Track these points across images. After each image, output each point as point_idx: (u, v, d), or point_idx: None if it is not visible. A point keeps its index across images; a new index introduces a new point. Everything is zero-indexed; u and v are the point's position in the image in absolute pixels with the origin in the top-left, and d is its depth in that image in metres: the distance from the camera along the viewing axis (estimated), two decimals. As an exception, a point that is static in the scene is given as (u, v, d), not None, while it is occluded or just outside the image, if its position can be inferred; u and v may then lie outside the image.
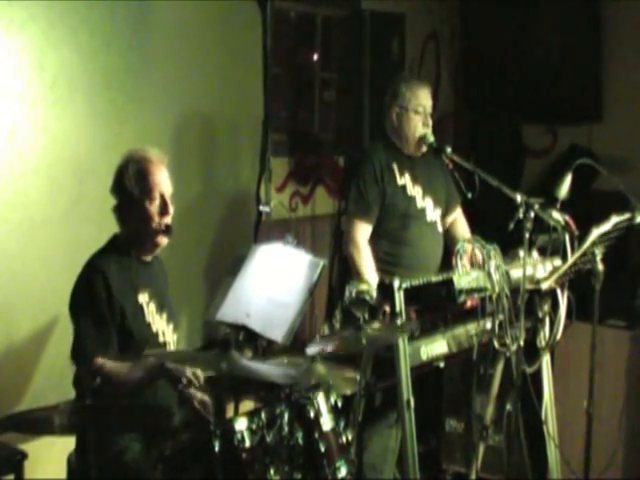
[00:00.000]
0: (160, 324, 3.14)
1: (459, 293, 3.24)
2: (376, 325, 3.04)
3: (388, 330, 3.09)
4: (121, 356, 2.98)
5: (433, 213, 3.96)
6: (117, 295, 2.99)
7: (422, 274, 3.40)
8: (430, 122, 3.89)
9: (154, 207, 3.06)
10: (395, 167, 3.89)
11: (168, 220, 3.09)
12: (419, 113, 3.86)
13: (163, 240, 3.10)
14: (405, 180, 3.90)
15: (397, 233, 3.88)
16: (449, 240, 4.06)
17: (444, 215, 4.05)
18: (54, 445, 3.47)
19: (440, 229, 4.01)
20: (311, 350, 2.94)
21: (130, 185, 3.04)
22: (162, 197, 3.07)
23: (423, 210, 3.92)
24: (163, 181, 3.09)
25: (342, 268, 4.03)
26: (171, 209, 3.09)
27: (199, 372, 2.92)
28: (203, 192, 4.37)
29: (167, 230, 3.09)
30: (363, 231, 3.83)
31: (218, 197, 4.49)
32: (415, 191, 3.91)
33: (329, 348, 2.95)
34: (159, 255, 3.26)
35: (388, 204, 3.86)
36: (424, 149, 3.90)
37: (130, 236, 3.11)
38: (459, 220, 4.15)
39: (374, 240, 3.85)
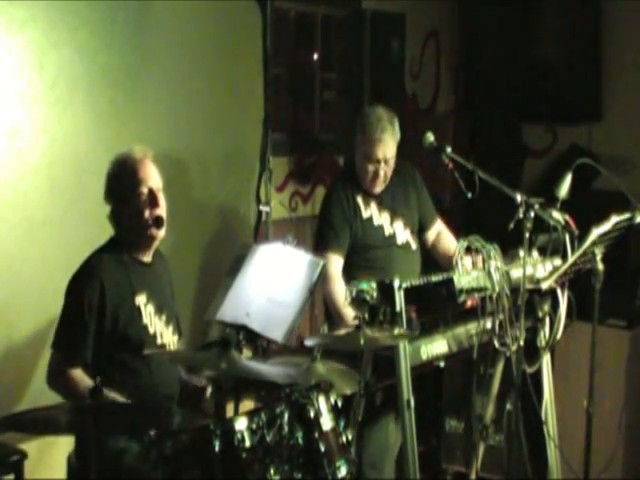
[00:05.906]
0: (159, 326, 3.14)
1: (459, 293, 3.25)
2: (376, 328, 3.04)
3: (388, 335, 3.08)
4: (119, 360, 2.99)
5: (403, 234, 3.95)
6: (111, 298, 2.99)
7: None
8: (382, 174, 3.80)
9: (142, 202, 3.04)
10: (360, 200, 3.90)
11: (159, 212, 3.07)
12: (369, 160, 3.82)
13: (156, 233, 3.08)
14: (371, 211, 3.91)
15: (368, 262, 3.87)
16: (437, 255, 4.09)
17: (424, 231, 4.07)
18: (54, 445, 3.48)
19: (414, 247, 3.99)
20: (309, 342, 2.95)
21: (117, 187, 3.06)
22: (150, 191, 3.06)
23: (392, 236, 3.92)
24: (149, 175, 3.07)
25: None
26: (161, 201, 3.08)
27: None
28: (203, 191, 4.37)
29: (158, 221, 3.06)
30: (335, 263, 3.82)
31: (218, 196, 4.49)
32: (382, 219, 3.91)
33: (328, 341, 2.95)
34: (164, 255, 3.26)
35: (356, 237, 3.87)
36: (377, 190, 3.89)
37: (126, 237, 3.10)
38: (443, 233, 4.14)
39: (347, 270, 3.84)
